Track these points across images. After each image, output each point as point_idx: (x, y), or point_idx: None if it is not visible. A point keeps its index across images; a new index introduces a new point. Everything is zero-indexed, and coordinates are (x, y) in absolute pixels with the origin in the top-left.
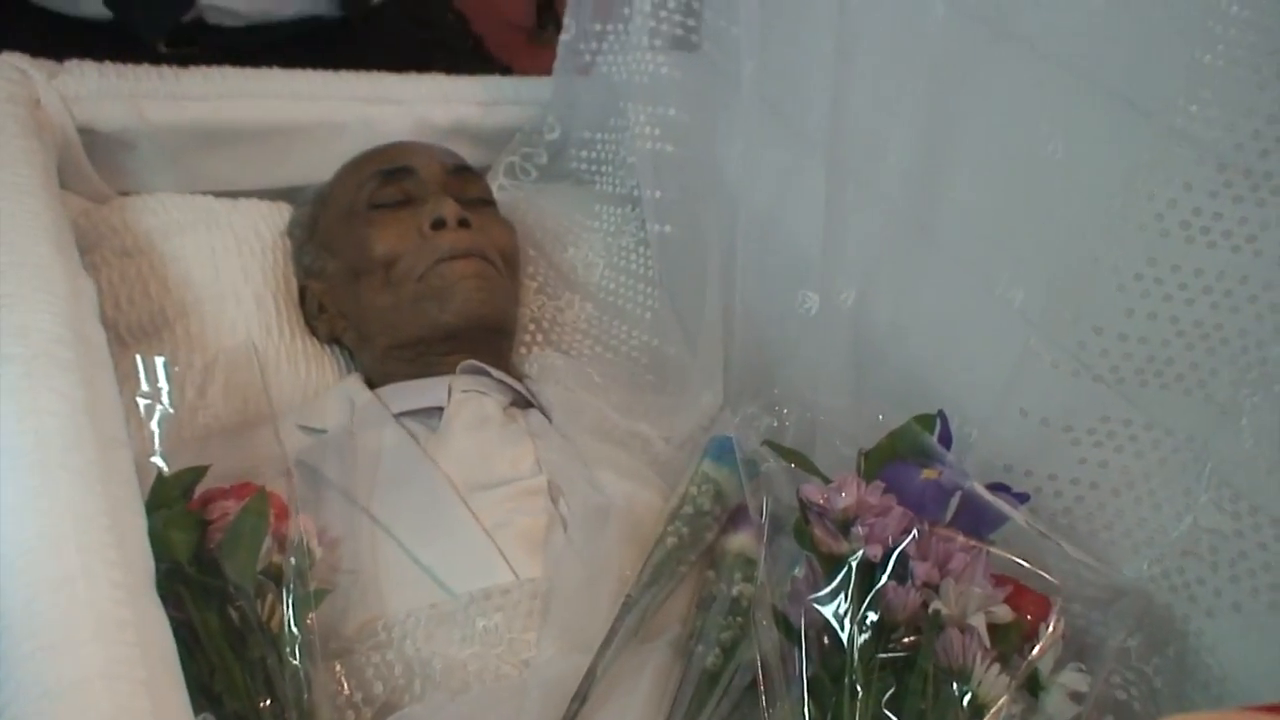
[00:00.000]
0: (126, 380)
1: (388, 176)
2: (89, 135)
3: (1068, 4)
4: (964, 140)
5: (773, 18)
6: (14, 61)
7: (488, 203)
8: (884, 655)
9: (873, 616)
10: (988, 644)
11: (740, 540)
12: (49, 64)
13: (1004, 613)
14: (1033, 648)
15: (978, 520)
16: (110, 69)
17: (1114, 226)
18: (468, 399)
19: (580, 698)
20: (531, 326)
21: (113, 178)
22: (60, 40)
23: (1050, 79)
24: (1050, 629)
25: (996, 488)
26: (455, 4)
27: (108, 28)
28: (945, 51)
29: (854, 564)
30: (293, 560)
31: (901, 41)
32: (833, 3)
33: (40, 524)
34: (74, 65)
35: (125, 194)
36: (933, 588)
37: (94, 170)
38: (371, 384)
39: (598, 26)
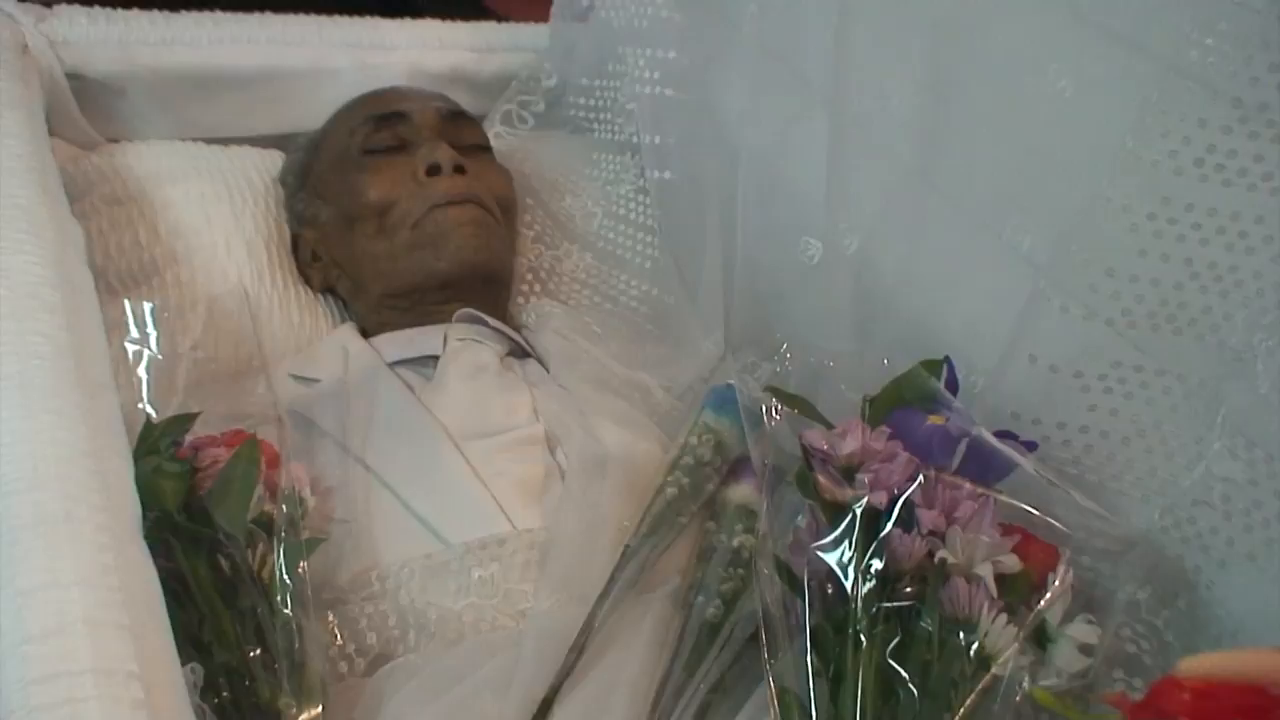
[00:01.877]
0: (116, 327)
1: (381, 121)
2: (78, 81)
3: None
4: (968, 84)
5: None
6: (0, 5)
7: (484, 149)
8: (888, 605)
9: (877, 565)
10: (995, 594)
11: (741, 491)
12: (36, 8)
13: (1012, 562)
14: (1041, 599)
15: (985, 468)
16: (100, 14)
17: (1125, 166)
18: (464, 347)
19: (578, 649)
20: (529, 276)
21: (102, 124)
22: None
23: (1054, 21)
24: (1059, 580)
25: (1004, 435)
26: None
27: None
28: None
29: (858, 511)
30: (284, 508)
31: None
32: None
33: (23, 467)
34: (63, 9)
35: (115, 141)
36: (939, 536)
37: (83, 116)
38: (366, 333)
39: None
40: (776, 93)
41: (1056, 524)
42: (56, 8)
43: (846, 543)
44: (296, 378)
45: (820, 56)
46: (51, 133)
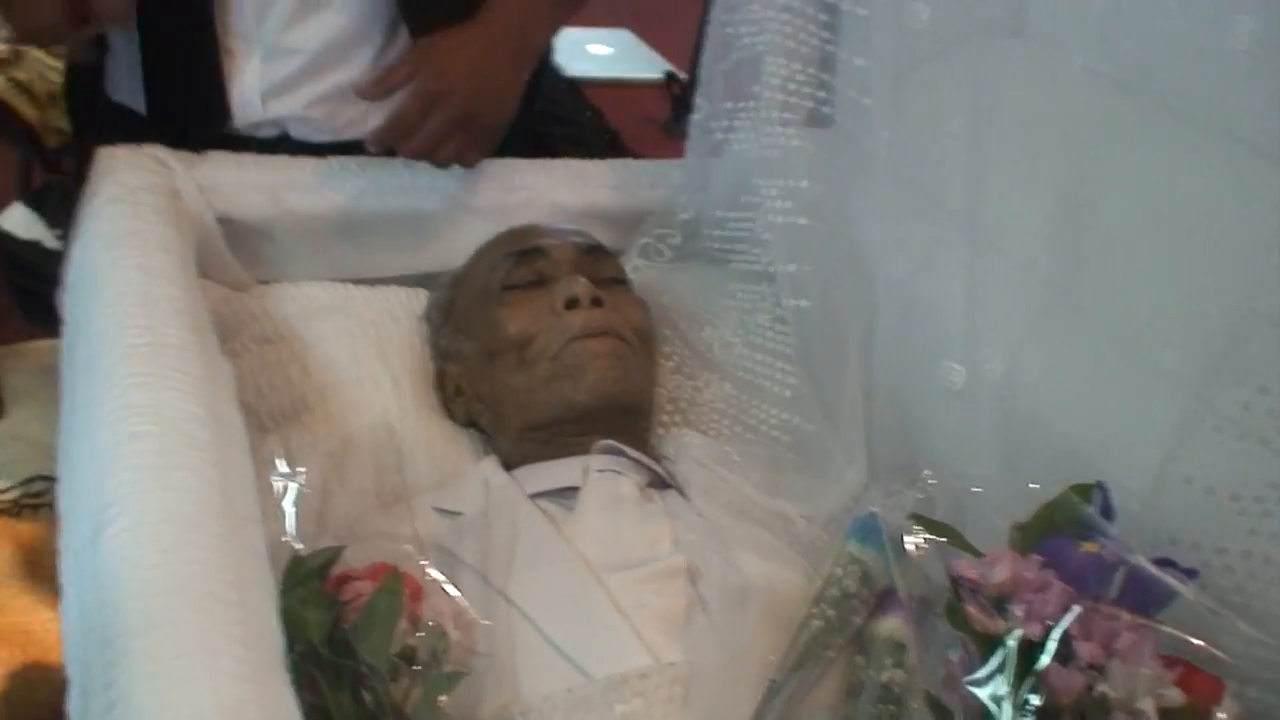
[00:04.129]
0: (265, 464)
1: (520, 257)
2: (228, 224)
3: (1206, 59)
4: (1108, 200)
5: (906, 87)
6: (154, 152)
7: (621, 281)
8: None
9: (1034, 700)
10: None
11: (890, 624)
12: (188, 155)
13: (1175, 695)
14: None
15: (1144, 597)
16: (249, 159)
17: (1275, 279)
18: (603, 478)
19: None
20: (669, 407)
21: (252, 266)
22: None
23: (1196, 135)
24: (1224, 713)
25: (1162, 562)
26: (591, 100)
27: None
28: (1084, 112)
29: (1011, 644)
30: (428, 642)
31: (1038, 106)
32: (967, 70)
33: (164, 601)
34: (213, 156)
35: (265, 282)
36: (1098, 669)
37: (234, 259)
38: (508, 466)
39: (729, 105)
40: (912, 217)
41: (1220, 654)
42: (208, 154)
43: (1000, 677)
44: (439, 510)
45: (955, 179)
46: (204, 275)
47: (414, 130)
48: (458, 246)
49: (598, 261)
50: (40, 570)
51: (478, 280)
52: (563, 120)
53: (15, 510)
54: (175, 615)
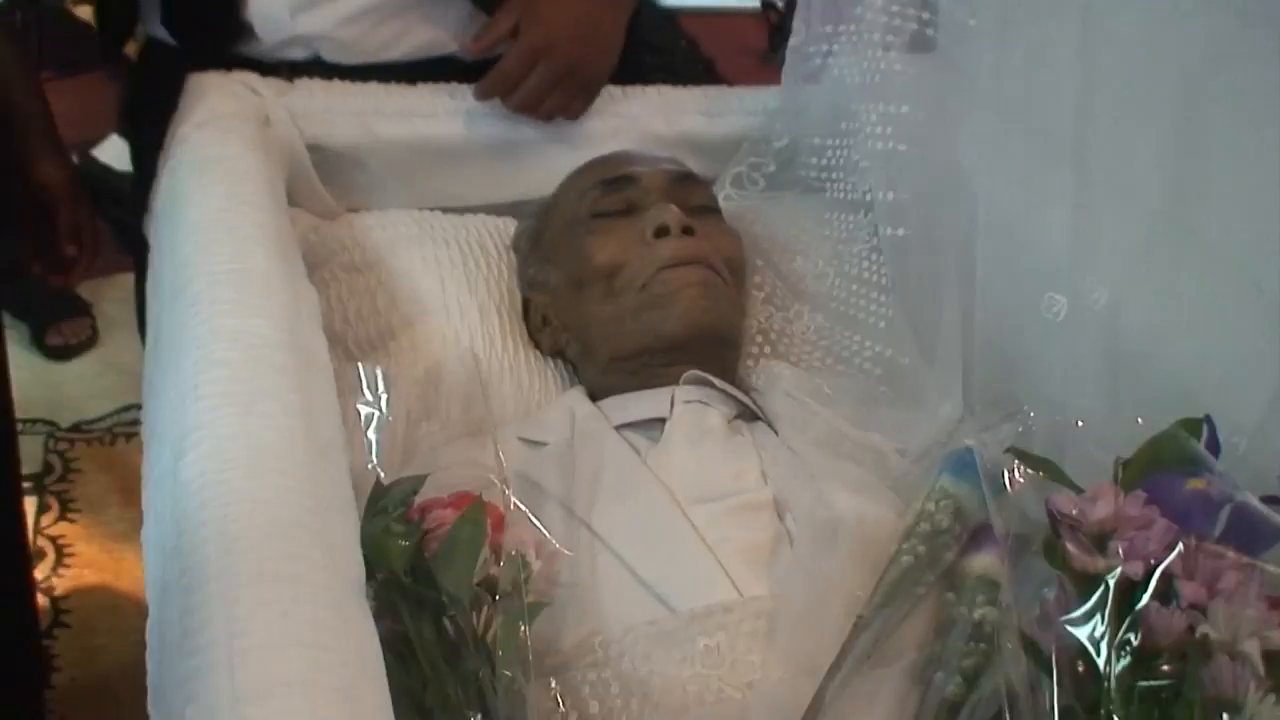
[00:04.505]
0: (349, 391)
1: (609, 185)
2: (318, 152)
3: None
4: (1221, 129)
5: (1013, 10)
6: (244, 79)
7: (712, 210)
8: (1145, 684)
9: (1132, 641)
10: (1262, 673)
11: (983, 561)
12: (278, 81)
13: None
14: None
15: (1251, 536)
16: (339, 86)
17: None
18: (690, 410)
19: None
20: (759, 338)
21: (342, 194)
22: None
23: None
24: None
25: (1271, 500)
26: (686, 30)
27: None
28: (1197, 39)
29: (1111, 583)
30: (510, 572)
31: (1150, 30)
32: None
33: (244, 527)
34: (304, 83)
35: (354, 210)
36: (1200, 610)
37: (323, 187)
38: (594, 397)
39: (828, 28)
40: (1016, 145)
41: None
42: (299, 81)
43: (1099, 616)
44: (524, 441)
45: (1062, 105)
46: (293, 203)
47: (517, 85)
48: (547, 175)
49: (689, 189)
50: (133, 498)
51: (566, 209)
52: (657, 50)
53: (109, 438)
54: (254, 541)
